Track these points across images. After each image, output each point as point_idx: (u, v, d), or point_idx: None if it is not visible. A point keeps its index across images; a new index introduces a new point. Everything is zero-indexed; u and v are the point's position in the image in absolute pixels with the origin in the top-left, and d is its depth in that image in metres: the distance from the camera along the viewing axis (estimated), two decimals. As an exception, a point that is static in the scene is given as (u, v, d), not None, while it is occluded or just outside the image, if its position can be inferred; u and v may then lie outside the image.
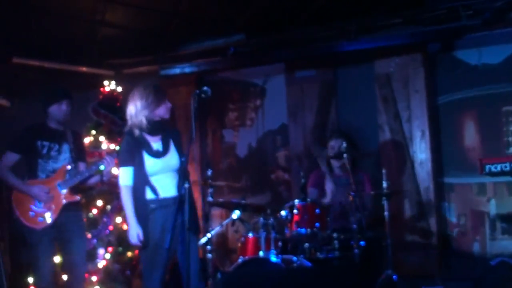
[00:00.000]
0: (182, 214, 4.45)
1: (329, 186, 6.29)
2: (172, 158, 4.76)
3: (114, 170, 5.50)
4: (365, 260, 5.57)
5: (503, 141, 6.63)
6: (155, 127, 4.76)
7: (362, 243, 5.60)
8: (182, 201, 4.45)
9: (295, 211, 5.61)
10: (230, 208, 6.02)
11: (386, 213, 5.77)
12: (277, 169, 7.59)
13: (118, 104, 7.00)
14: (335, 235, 5.69)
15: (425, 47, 6.89)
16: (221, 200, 6.26)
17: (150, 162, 4.70)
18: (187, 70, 7.52)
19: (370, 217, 6.16)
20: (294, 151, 7.42)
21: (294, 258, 5.48)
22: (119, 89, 7.08)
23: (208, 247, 5.80)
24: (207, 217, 6.22)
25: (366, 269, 5.58)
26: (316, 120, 7.33)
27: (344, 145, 5.87)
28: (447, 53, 6.89)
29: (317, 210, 5.59)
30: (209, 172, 6.12)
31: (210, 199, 5.97)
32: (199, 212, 6.92)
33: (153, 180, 4.72)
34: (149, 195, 4.70)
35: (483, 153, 6.66)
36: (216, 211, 7.24)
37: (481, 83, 6.74)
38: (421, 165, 6.82)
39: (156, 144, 4.78)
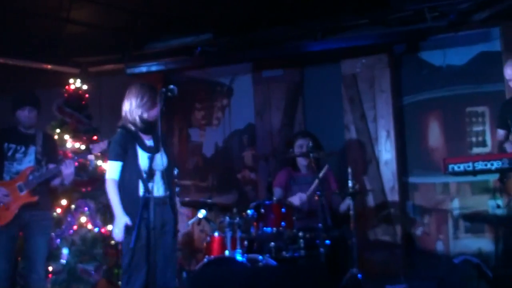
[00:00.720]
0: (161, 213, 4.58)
1: (296, 187, 6.33)
2: (162, 157, 4.73)
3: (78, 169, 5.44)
4: (331, 259, 5.59)
5: (467, 141, 6.70)
6: (147, 126, 4.76)
7: (327, 242, 5.61)
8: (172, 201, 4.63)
9: (261, 210, 5.60)
10: (196, 207, 5.99)
11: (351, 212, 5.81)
12: (243, 169, 7.58)
13: (83, 102, 6.93)
14: (300, 234, 5.69)
15: (391, 48, 6.93)
16: (187, 199, 6.23)
17: (143, 157, 4.67)
18: (153, 68, 7.48)
19: (335, 216, 6.20)
20: (261, 150, 7.42)
21: (260, 257, 5.47)
22: (85, 87, 7.01)
23: (174, 246, 5.73)
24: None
25: (332, 268, 5.54)
26: (283, 119, 7.34)
27: (311, 144, 5.88)
28: (413, 54, 6.94)
29: (282, 209, 5.60)
30: (175, 171, 6.09)
31: (176, 198, 5.91)
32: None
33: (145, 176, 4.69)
34: (142, 191, 4.64)
35: (447, 153, 6.72)
36: (182, 210, 7.19)
37: (446, 84, 6.79)
38: (386, 165, 6.87)
39: (148, 141, 4.78)
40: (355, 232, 5.80)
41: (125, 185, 4.64)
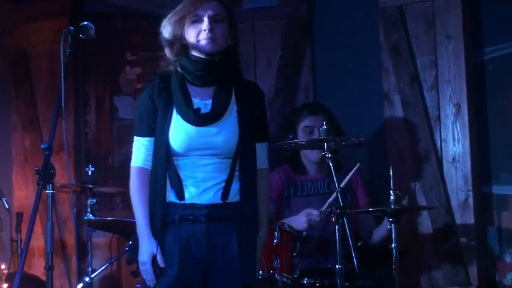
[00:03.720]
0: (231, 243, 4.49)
1: (299, 200, 6.40)
2: (225, 130, 4.55)
3: None
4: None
5: None
6: (211, 68, 4.60)
7: (352, 295, 5.68)
8: (244, 215, 4.50)
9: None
10: (126, 232, 5.95)
11: (393, 244, 5.83)
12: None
13: None
14: (306, 281, 5.77)
15: (465, -37, 7.02)
16: (110, 219, 6.21)
17: (179, 131, 4.52)
18: (55, -8, 7.53)
19: (366, 251, 6.23)
20: (239, 135, 7.41)
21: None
22: None
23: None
24: (84, 249, 6.24)
25: None
26: (278, 83, 7.39)
27: (325, 126, 5.85)
28: (502, -25, 7.02)
29: (275, 238, 5.60)
30: (90, 171, 6.03)
31: (90, 216, 5.90)
32: (70, 237, 6.80)
33: (181, 165, 4.57)
34: (169, 195, 4.57)
35: (558, 144, 6.80)
36: (101, 238, 7.21)
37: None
38: (454, 164, 6.88)
39: (200, 100, 4.61)
40: (399, 278, 5.81)
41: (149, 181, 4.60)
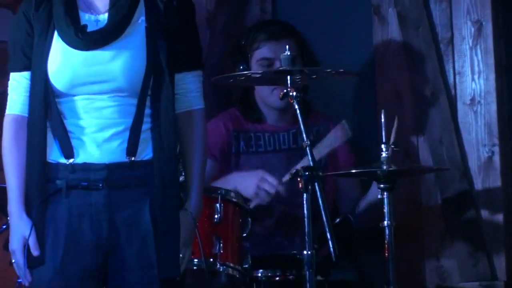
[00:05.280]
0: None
1: (250, 158, 6.47)
2: (124, 54, 4.43)
3: None
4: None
5: None
6: None
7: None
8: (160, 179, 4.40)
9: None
10: (2, 205, 5.80)
11: (386, 222, 5.76)
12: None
13: None
14: (260, 273, 5.86)
15: None
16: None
17: (59, 59, 4.44)
18: None
19: (347, 231, 6.29)
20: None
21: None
22: None
23: None
24: None
25: None
26: None
27: (289, 52, 5.68)
28: None
29: (216, 212, 5.58)
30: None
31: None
32: None
33: (65, 110, 4.49)
34: (52, 152, 4.49)
35: None
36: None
37: None
38: (473, 107, 6.86)
39: (93, 15, 4.51)
40: (394, 270, 5.77)
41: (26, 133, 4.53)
